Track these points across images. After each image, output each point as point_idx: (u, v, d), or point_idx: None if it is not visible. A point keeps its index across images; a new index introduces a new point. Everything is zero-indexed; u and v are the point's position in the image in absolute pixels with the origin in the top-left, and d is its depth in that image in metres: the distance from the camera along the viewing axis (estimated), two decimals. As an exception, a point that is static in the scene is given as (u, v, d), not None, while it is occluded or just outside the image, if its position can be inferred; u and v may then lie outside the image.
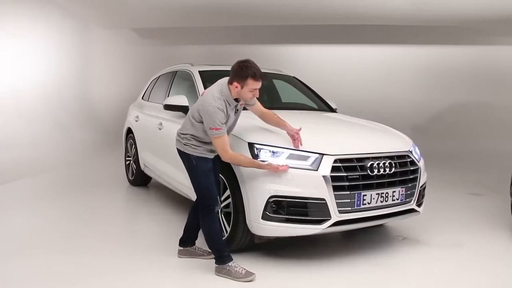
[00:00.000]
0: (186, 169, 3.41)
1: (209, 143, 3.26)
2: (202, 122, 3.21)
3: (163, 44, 12.34)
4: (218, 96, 3.19)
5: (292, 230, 3.36)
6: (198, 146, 3.28)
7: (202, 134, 3.25)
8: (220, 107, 3.15)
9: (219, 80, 3.34)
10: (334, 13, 9.13)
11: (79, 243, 3.98)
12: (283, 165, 3.29)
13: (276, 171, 3.26)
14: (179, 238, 3.69)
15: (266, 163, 3.29)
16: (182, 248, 3.66)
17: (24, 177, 6.48)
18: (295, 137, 3.46)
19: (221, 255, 3.28)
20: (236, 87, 3.19)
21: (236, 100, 3.29)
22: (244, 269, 3.23)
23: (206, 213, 3.30)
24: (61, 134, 9.03)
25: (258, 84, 3.20)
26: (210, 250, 3.41)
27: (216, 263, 3.31)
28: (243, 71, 3.15)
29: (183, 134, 3.35)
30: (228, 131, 3.35)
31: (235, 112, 3.36)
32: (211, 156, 3.33)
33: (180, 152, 3.39)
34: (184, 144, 3.32)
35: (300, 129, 3.48)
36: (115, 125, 9.70)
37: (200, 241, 3.62)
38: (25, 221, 4.62)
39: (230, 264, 3.25)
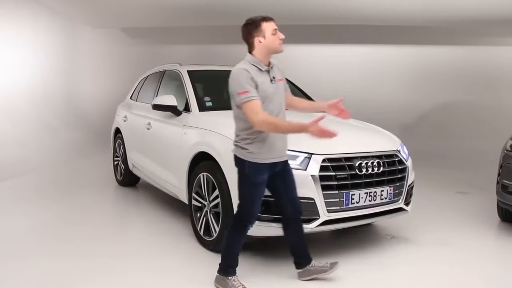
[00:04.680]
0: (238, 173, 3.07)
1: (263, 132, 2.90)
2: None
3: (151, 44, 12.27)
4: (244, 63, 2.97)
5: (281, 229, 3.34)
6: (254, 149, 2.93)
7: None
8: (245, 67, 2.89)
9: None
10: (323, 13, 9.15)
11: (67, 245, 3.93)
12: (331, 130, 2.77)
13: (320, 134, 2.79)
14: (293, 261, 3.34)
15: (310, 122, 2.78)
16: (300, 270, 3.32)
17: (9, 178, 6.40)
18: (340, 108, 3.20)
19: (227, 268, 3.13)
20: (260, 41, 2.93)
21: (268, 65, 3.04)
22: (243, 286, 3.07)
23: (237, 227, 3.09)
24: (48, 134, 8.93)
25: (274, 25, 2.96)
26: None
27: (218, 272, 3.16)
28: (253, 23, 2.95)
29: (236, 136, 3.03)
30: (276, 107, 3.02)
31: (271, 80, 3.02)
32: (268, 159, 2.98)
33: (235, 157, 3.04)
34: (235, 145, 3.02)
35: (341, 99, 3.15)
36: (103, 125, 9.62)
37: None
38: (12, 223, 4.56)
39: (230, 277, 3.11)
